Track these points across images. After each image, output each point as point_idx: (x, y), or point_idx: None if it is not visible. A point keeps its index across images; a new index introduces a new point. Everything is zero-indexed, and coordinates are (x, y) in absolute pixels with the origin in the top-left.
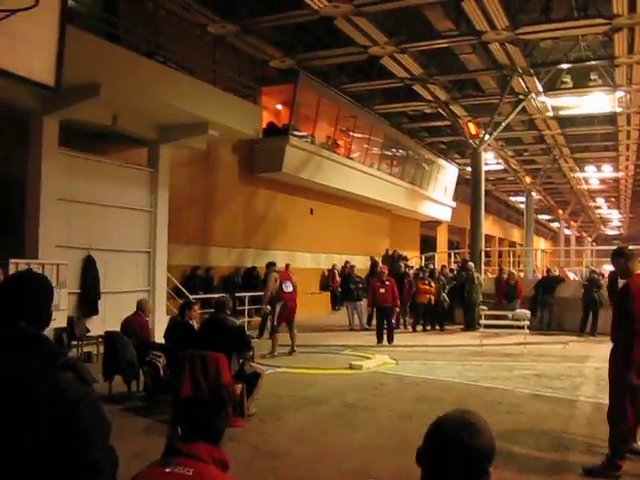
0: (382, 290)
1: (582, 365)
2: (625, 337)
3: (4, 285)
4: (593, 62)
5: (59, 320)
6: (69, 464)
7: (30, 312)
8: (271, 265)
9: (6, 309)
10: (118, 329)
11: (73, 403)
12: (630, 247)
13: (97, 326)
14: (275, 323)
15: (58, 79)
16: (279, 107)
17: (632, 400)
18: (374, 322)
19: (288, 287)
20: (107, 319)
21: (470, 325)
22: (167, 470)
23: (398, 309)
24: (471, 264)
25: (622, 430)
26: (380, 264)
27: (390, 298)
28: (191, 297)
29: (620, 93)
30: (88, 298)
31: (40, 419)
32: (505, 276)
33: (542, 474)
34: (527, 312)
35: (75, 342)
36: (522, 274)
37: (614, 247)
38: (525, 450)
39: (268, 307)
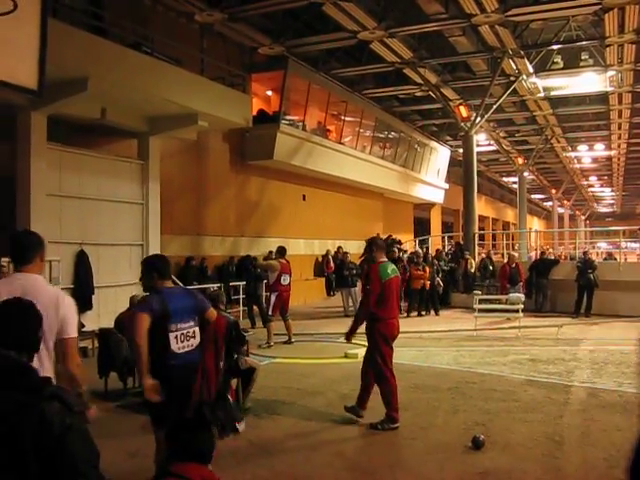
0: None
1: (576, 348)
2: (366, 310)
3: None
4: (584, 42)
5: None
6: None
7: (20, 341)
8: (283, 251)
9: None
10: (112, 323)
11: (60, 435)
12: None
13: (92, 321)
14: (270, 313)
15: (41, 82)
16: (269, 94)
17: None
18: None
19: (286, 280)
20: (101, 314)
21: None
22: None
23: None
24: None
25: (389, 388)
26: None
27: None
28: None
29: (611, 72)
30: (82, 293)
31: (27, 454)
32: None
33: (537, 463)
34: (521, 296)
35: None
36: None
37: (605, 227)
38: (520, 439)
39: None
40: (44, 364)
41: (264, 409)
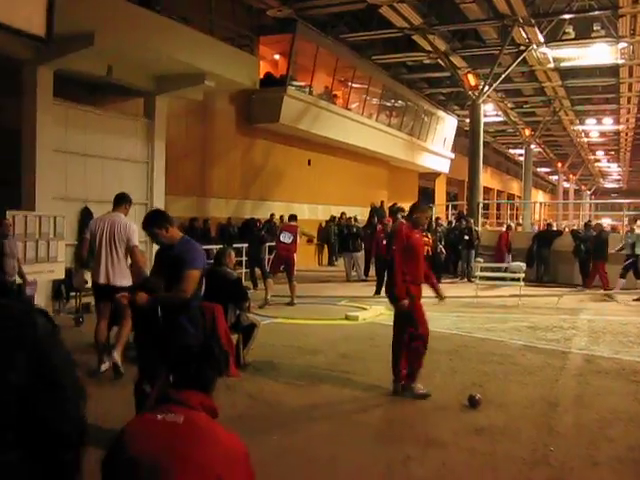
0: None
1: (575, 317)
2: None
3: None
4: (596, 12)
5: (57, 272)
6: (41, 394)
7: None
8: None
9: None
10: None
11: (46, 345)
12: None
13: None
14: (267, 269)
15: (49, 29)
16: (277, 57)
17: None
18: (371, 273)
19: (285, 238)
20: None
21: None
22: (159, 417)
23: None
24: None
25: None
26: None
27: None
28: None
29: (623, 44)
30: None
31: (18, 361)
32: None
33: (531, 422)
34: (522, 265)
35: (73, 293)
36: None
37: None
38: (516, 399)
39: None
40: (120, 262)
41: (264, 364)
